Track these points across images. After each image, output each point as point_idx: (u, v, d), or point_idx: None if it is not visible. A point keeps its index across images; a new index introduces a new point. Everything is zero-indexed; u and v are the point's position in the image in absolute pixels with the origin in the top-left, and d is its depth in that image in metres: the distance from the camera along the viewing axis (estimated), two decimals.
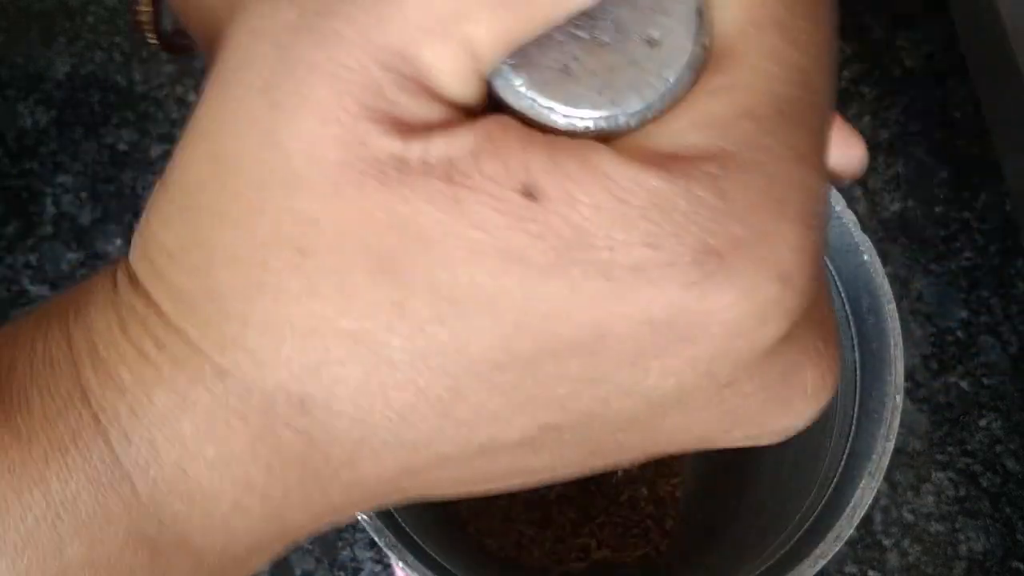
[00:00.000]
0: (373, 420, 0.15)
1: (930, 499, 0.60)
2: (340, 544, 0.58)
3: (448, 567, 0.38)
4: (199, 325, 0.15)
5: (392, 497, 0.17)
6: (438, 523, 0.46)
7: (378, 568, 0.58)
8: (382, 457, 0.15)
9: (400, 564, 0.37)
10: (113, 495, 0.16)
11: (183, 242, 0.15)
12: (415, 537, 0.38)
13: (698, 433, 0.16)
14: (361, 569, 0.58)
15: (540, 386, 0.14)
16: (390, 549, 0.36)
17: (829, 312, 0.16)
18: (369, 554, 0.58)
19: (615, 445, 0.16)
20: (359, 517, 0.36)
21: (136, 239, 0.16)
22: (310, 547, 0.58)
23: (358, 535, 0.58)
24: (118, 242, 0.64)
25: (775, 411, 0.16)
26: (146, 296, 0.16)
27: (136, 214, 0.64)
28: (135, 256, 0.16)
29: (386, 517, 0.37)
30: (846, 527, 0.36)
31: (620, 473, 0.56)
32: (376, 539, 0.36)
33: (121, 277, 0.16)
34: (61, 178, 0.65)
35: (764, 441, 0.17)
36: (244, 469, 0.15)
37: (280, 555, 0.18)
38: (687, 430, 0.16)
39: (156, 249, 0.15)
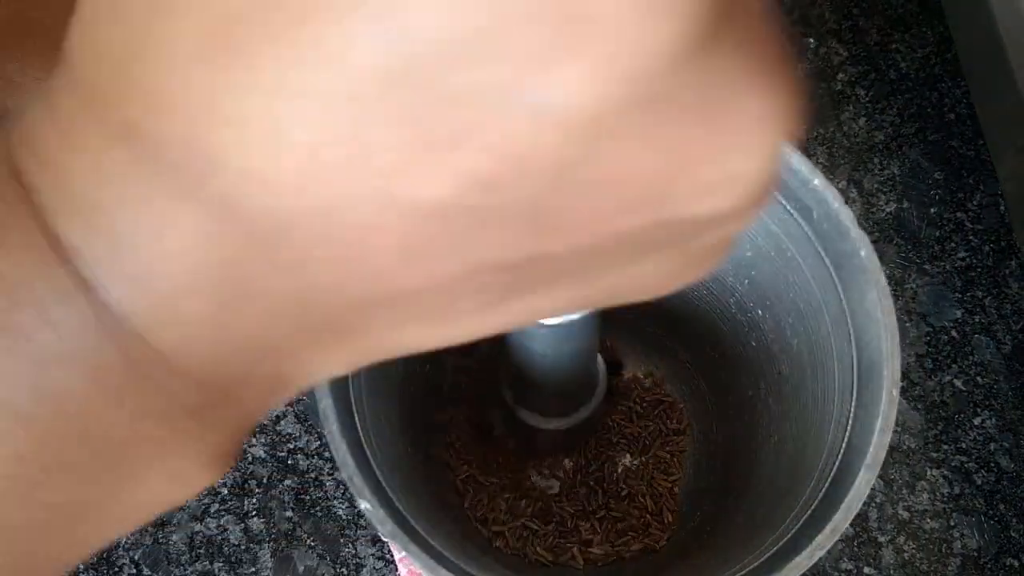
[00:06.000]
0: (274, 179, 0.13)
1: (925, 496, 0.60)
2: (343, 540, 0.59)
3: (450, 557, 0.38)
4: (113, 78, 0.13)
5: (354, 319, 0.16)
6: (442, 515, 0.46)
7: (380, 564, 0.58)
8: (302, 227, 0.14)
9: (402, 555, 0.38)
10: (62, 274, 0.14)
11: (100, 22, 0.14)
12: (416, 526, 0.38)
13: (643, 184, 0.14)
14: (364, 565, 0.58)
15: (439, 112, 0.12)
16: (392, 538, 0.36)
17: (768, 28, 0.14)
18: (371, 551, 0.58)
19: (559, 214, 0.14)
20: (362, 506, 0.36)
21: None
22: (313, 544, 0.58)
23: (360, 532, 0.59)
24: None
25: (719, 144, 0.14)
26: (72, 66, 0.14)
27: None
28: (67, 36, 0.14)
29: (388, 506, 0.38)
30: (843, 519, 0.37)
31: (620, 470, 0.57)
32: (379, 529, 0.36)
33: (58, 67, 0.15)
34: None
35: (730, 198, 0.15)
36: (174, 241, 0.14)
37: (274, 408, 0.17)
38: (628, 180, 0.14)
39: (81, 15, 0.14)
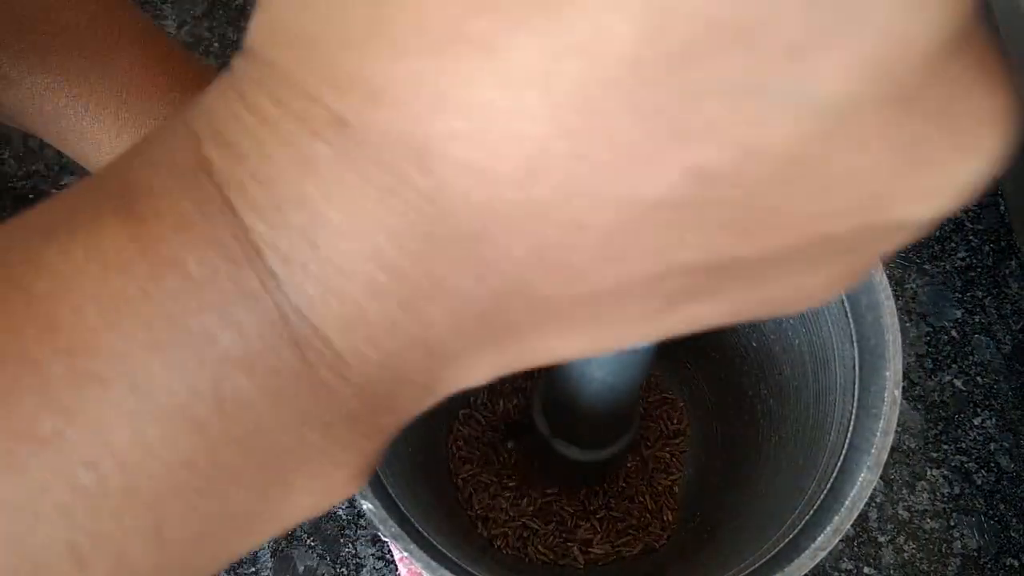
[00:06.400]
0: (497, 172, 0.12)
1: (925, 496, 0.60)
2: (343, 540, 0.59)
3: (451, 556, 0.38)
4: (316, 70, 0.13)
5: (526, 322, 0.15)
6: (442, 515, 0.46)
7: (380, 564, 0.58)
8: (512, 224, 0.13)
9: (402, 555, 0.38)
10: (249, 273, 0.14)
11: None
12: (417, 526, 0.38)
13: (871, 184, 0.13)
14: (363, 565, 0.58)
15: (686, 103, 0.12)
16: (395, 539, 0.36)
17: (988, 42, 0.14)
18: (371, 550, 0.58)
19: (772, 214, 0.13)
20: (364, 507, 0.36)
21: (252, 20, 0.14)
22: (312, 544, 0.58)
23: (360, 532, 0.59)
24: None
25: (954, 144, 0.13)
26: (264, 61, 0.14)
27: None
28: (250, 32, 0.14)
29: (391, 507, 0.37)
30: (845, 520, 0.37)
31: (620, 470, 0.56)
32: (381, 530, 0.36)
33: (237, 62, 0.14)
34: (67, 180, 0.66)
35: (943, 201, 0.14)
36: (372, 239, 0.13)
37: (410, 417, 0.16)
38: (857, 179, 0.13)
39: (274, 10, 0.14)
